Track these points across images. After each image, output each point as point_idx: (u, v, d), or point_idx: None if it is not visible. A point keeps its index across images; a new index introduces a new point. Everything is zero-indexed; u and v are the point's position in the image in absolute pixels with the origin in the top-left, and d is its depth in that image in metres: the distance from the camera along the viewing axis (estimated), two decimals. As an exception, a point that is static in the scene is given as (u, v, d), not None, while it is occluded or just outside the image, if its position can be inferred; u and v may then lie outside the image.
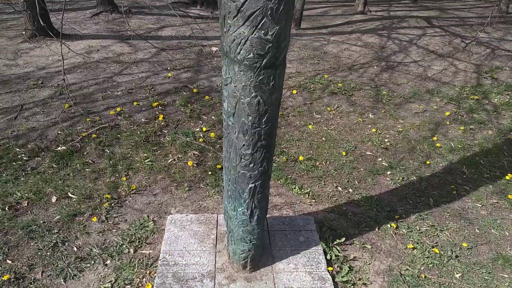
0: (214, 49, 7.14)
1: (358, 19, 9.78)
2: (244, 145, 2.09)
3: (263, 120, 2.00)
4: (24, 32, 6.81)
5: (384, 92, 5.70)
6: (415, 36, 8.49)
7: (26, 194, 3.28)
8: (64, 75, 3.71)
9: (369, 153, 4.19)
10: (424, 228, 3.18)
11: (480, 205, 3.51)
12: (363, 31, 8.68)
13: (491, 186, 3.77)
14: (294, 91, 5.57)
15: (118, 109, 4.73)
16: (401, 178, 3.80)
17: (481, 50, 7.66)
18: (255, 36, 1.74)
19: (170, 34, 7.72)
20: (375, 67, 6.69)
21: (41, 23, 3.74)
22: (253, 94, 1.92)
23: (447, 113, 5.12)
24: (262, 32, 1.73)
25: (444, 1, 12.76)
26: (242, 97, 1.94)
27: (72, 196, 3.31)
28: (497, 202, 3.55)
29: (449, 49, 7.70)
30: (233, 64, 1.89)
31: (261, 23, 1.71)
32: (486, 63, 7.05)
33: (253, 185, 2.21)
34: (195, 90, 5.37)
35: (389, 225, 3.17)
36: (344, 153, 4.12)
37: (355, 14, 10.24)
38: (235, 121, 2.04)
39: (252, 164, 2.14)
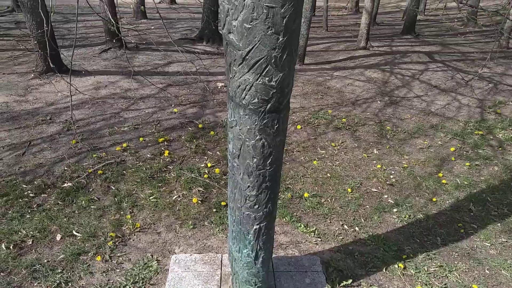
0: (219, 84, 7.28)
1: (361, 54, 9.98)
2: (249, 186, 2.10)
3: (268, 162, 2.02)
4: (35, 69, 7.01)
5: (388, 127, 5.73)
6: (418, 71, 8.63)
7: (31, 232, 3.28)
8: (72, 113, 3.79)
9: (375, 190, 4.17)
10: (433, 269, 3.11)
11: (489, 244, 3.44)
12: (366, 66, 8.84)
13: (499, 224, 3.71)
14: (299, 126, 5.61)
15: (125, 145, 4.78)
16: (407, 215, 3.76)
17: (484, 85, 7.74)
18: (260, 82, 1.79)
19: (177, 69, 7.91)
20: (379, 102, 6.77)
21: (51, 64, 3.86)
22: (257, 137, 1.95)
23: (452, 149, 5.12)
24: (267, 78, 1.78)
25: (445, 36, 13.03)
26: (247, 139, 1.97)
27: (77, 234, 3.29)
28: (506, 241, 3.48)
29: (452, 84, 7.79)
30: (239, 108, 1.93)
31: (265, 71, 1.76)
32: (489, 97, 7.11)
33: (258, 226, 2.20)
34: (200, 126, 5.44)
35: (396, 266, 3.11)
36: (349, 190, 4.10)
37: (358, 49, 10.46)
38: (240, 163, 2.06)
39: (257, 206, 2.14)
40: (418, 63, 9.24)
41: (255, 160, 2.00)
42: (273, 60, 1.74)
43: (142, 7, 11.36)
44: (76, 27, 3.07)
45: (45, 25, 3.21)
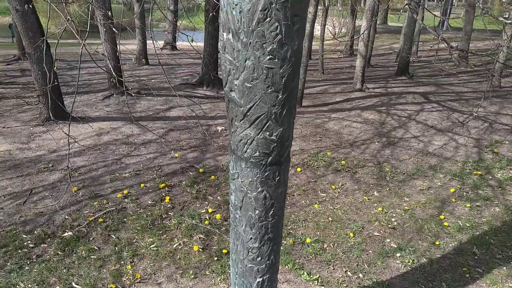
0: (219, 128, 7.40)
1: (357, 96, 10.22)
2: (251, 238, 2.11)
3: (270, 213, 2.05)
4: (38, 116, 7.15)
5: (387, 168, 5.78)
6: (414, 111, 8.80)
7: (29, 285, 3.22)
8: (68, 162, 3.84)
9: (377, 234, 4.14)
10: (440, 317, 3.04)
11: (496, 290, 3.38)
12: (362, 108, 9.03)
13: (504, 268, 3.66)
14: (298, 169, 5.66)
15: (126, 191, 4.80)
16: (411, 260, 3.72)
17: (479, 124, 7.87)
18: (261, 137, 1.86)
19: (178, 114, 8.07)
20: (377, 143, 6.86)
21: (52, 117, 3.96)
22: (259, 189, 1.98)
23: (452, 190, 5.13)
24: (267, 133, 1.85)
25: (438, 76, 13.38)
26: (249, 191, 2.01)
27: (76, 286, 3.24)
28: (513, 286, 3.42)
29: (448, 124, 7.93)
30: (240, 161, 1.98)
31: (266, 126, 1.83)
32: (485, 137, 7.21)
33: (261, 279, 2.18)
34: (201, 170, 5.48)
35: (403, 314, 3.04)
36: (351, 234, 4.08)
37: (354, 91, 10.72)
38: (242, 215, 2.08)
39: (259, 258, 2.14)
40: (414, 104, 9.44)
41: (257, 212, 2.02)
42: (273, 116, 1.81)
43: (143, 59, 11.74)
44: (78, 78, 3.18)
45: (48, 80, 3.34)
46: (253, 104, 1.80)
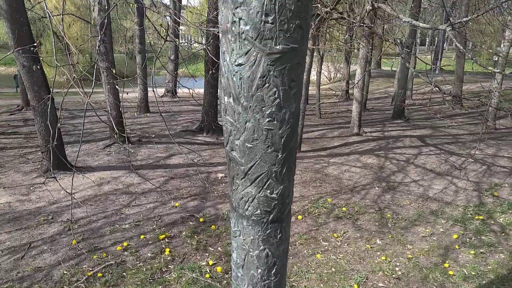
0: (220, 175, 7.43)
1: (355, 140, 10.35)
2: (254, 297, 2.08)
3: (272, 272, 2.04)
4: (39, 167, 7.19)
5: (388, 215, 5.75)
6: (412, 155, 8.88)
7: None
8: (71, 216, 3.83)
9: (382, 285, 4.05)
10: None
11: None
12: (361, 152, 9.11)
13: (514, 319, 3.56)
14: (299, 217, 5.63)
15: (125, 243, 4.74)
16: (418, 312, 3.62)
17: (478, 167, 7.92)
18: (262, 195, 1.89)
19: (178, 162, 8.12)
20: (377, 188, 6.86)
21: (52, 169, 4.01)
22: (261, 247, 1.99)
23: (455, 236, 5.08)
24: (268, 191, 1.89)
25: (434, 119, 13.62)
26: (251, 250, 2.01)
27: None
28: None
29: (447, 167, 7.98)
30: (242, 218, 2.00)
31: (266, 184, 1.87)
32: (484, 180, 7.23)
33: None
34: (201, 220, 5.45)
35: None
36: (356, 286, 3.99)
37: (351, 135, 10.87)
38: (244, 273, 2.07)
39: (262, 318, 2.10)
40: (411, 147, 9.54)
41: (259, 270, 2.01)
42: (273, 175, 1.86)
43: (146, 114, 12.05)
44: (81, 138, 3.26)
45: (51, 138, 3.42)
46: (254, 163, 1.85)
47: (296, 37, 1.73)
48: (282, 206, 1.95)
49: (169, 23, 4.04)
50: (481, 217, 5.62)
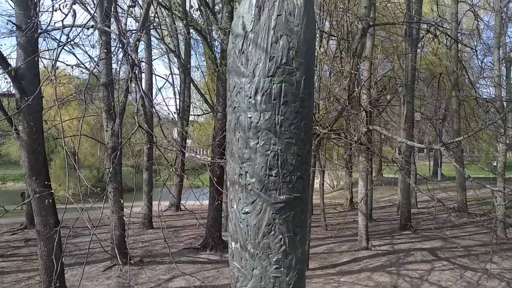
0: (224, 299, 7.03)
1: (364, 255, 10.00)
2: None
3: None
4: (36, 294, 6.87)
5: None
6: (424, 271, 8.49)
7: None
8: None
9: None
10: None
11: None
12: (371, 269, 8.74)
13: None
14: None
15: None
16: None
17: (496, 284, 7.50)
18: None
19: (180, 285, 7.76)
20: (392, 311, 6.42)
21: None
22: None
23: None
24: None
25: (443, 229, 13.32)
26: None
27: None
28: None
29: (463, 284, 7.56)
30: None
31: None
32: (506, 298, 6.79)
33: None
34: None
35: None
36: None
37: (360, 250, 10.53)
38: None
39: None
40: (423, 262, 9.17)
41: None
42: None
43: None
44: (84, 269, 3.20)
45: (54, 273, 3.37)
46: None
47: (298, 187, 1.85)
48: None
49: (176, 154, 4.31)
50: None
